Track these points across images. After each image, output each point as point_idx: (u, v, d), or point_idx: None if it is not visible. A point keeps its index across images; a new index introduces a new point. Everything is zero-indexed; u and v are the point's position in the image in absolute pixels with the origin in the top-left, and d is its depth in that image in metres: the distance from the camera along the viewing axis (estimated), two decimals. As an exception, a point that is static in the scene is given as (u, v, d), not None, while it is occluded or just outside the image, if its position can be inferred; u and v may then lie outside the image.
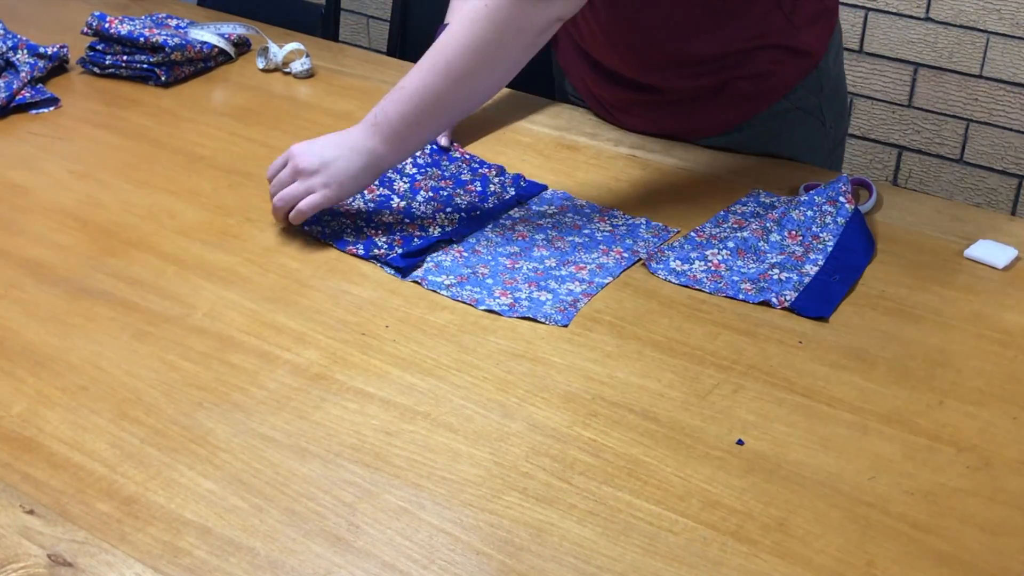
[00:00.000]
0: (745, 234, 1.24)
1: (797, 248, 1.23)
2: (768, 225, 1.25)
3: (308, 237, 1.29)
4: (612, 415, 1.01)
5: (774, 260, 1.22)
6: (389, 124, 1.25)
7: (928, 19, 2.38)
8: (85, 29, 1.73)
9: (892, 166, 2.58)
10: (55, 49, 1.74)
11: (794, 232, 1.24)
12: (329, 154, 1.25)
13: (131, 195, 1.39)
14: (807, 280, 1.19)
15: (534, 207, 1.36)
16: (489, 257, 1.26)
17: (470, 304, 1.17)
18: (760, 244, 1.23)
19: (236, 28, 1.85)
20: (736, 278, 1.20)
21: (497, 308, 1.16)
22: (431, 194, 1.38)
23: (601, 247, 1.27)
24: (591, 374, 1.06)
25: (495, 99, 1.67)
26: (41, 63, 1.71)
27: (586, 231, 1.31)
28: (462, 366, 1.07)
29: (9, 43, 1.73)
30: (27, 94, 1.63)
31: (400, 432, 0.99)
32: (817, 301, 1.15)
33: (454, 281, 1.21)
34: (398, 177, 1.42)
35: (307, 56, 1.78)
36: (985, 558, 0.86)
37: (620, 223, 1.32)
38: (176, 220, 1.33)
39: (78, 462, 0.95)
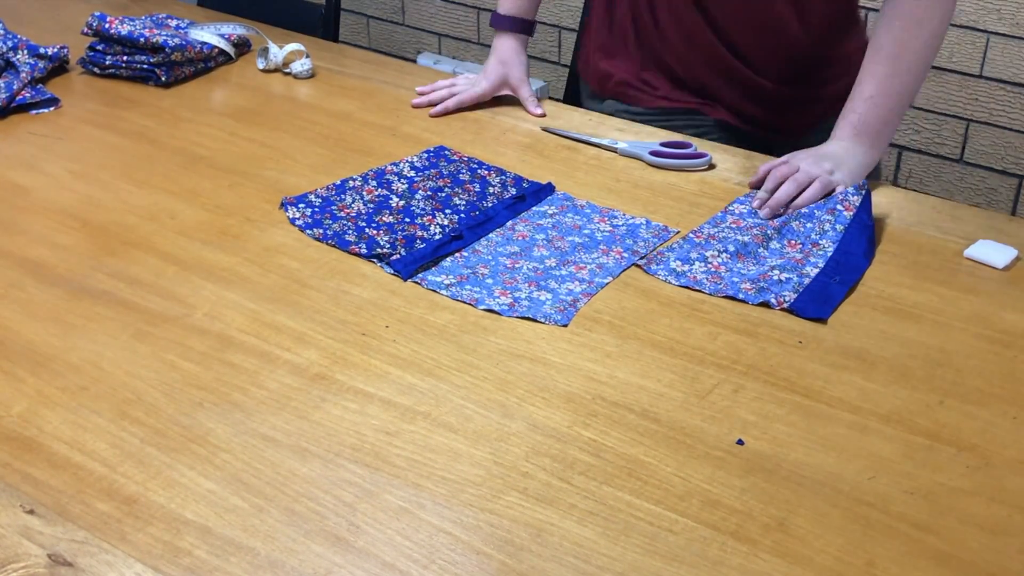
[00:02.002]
0: (745, 239, 1.24)
1: (797, 254, 1.23)
2: (768, 232, 1.25)
3: (308, 237, 1.29)
4: (612, 415, 1.01)
5: (774, 263, 1.22)
6: (870, 128, 1.38)
7: (928, 19, 2.38)
8: (85, 29, 1.74)
9: (892, 166, 2.58)
10: (55, 50, 1.74)
11: (793, 241, 1.25)
12: (837, 157, 1.37)
13: (131, 195, 1.40)
14: (807, 281, 1.19)
15: (534, 207, 1.36)
16: (489, 257, 1.26)
17: (470, 304, 1.17)
18: (760, 250, 1.23)
19: (236, 28, 1.85)
20: (736, 279, 1.20)
21: (497, 308, 1.16)
22: (429, 194, 1.38)
23: (601, 247, 1.27)
24: (591, 374, 1.06)
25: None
26: (41, 63, 1.71)
27: (586, 231, 1.31)
28: (462, 366, 1.07)
29: (9, 43, 1.73)
30: (27, 94, 1.63)
31: (400, 432, 0.99)
32: (816, 302, 1.15)
33: (454, 281, 1.21)
34: (395, 178, 1.42)
35: (307, 56, 1.78)
36: (985, 558, 0.86)
37: (620, 223, 1.33)
38: (176, 220, 1.33)
39: (78, 462, 0.95)
